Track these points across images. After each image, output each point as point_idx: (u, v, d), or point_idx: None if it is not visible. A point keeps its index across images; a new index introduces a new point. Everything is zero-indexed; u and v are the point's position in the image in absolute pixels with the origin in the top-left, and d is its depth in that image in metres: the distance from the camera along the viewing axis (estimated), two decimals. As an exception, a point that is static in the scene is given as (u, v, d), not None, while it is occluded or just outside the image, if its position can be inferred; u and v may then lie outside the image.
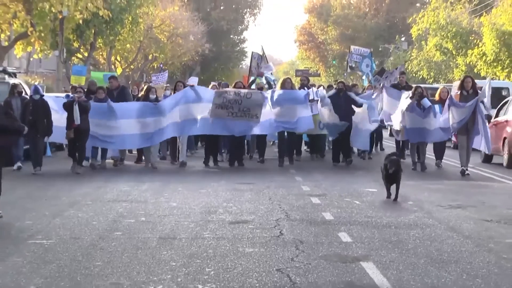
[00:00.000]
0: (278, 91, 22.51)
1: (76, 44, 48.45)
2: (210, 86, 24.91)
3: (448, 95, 20.89)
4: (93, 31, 46.37)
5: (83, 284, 8.54)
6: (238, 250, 10.46)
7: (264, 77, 26.22)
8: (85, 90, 22.53)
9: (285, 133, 22.82)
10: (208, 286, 8.46)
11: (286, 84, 22.69)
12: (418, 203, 15.26)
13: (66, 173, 20.02)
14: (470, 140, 19.88)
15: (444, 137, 20.95)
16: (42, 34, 41.02)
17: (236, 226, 12.40)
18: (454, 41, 56.84)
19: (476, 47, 53.43)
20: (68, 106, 19.83)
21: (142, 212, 13.87)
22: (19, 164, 20.15)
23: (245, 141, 24.07)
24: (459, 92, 20.05)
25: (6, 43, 41.64)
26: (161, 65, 49.54)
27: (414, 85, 23.64)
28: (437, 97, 21.57)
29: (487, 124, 19.90)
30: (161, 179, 19.10)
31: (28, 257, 9.93)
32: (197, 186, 17.84)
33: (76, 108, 19.61)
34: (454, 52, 57.71)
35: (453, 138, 21.20)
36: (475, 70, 54.69)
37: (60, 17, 40.64)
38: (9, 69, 28.51)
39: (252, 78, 26.38)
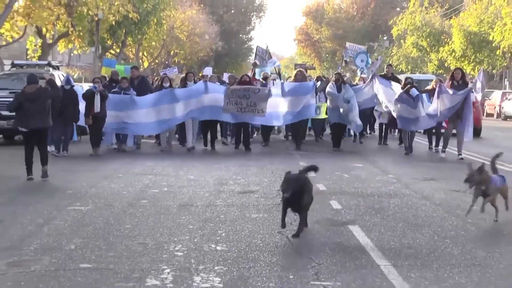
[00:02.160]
0: (289, 83, 21.56)
1: (109, 42, 48.39)
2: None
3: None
4: (124, 31, 46.26)
5: (114, 244, 8.55)
6: (245, 216, 10.46)
7: (275, 68, 26.15)
8: (108, 79, 21.76)
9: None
10: (220, 246, 8.45)
11: (297, 75, 21.58)
12: (397, 176, 15.23)
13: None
14: (462, 126, 18.46)
15: (431, 123, 19.67)
16: (81, 33, 41.03)
17: (244, 196, 12.40)
18: (428, 39, 56.97)
19: (447, 45, 53.67)
20: (89, 96, 18.88)
21: (164, 183, 13.87)
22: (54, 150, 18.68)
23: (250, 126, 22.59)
24: (449, 83, 18.93)
25: (51, 41, 41.66)
26: (168, 62, 49.49)
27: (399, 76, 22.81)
28: (431, 87, 20.23)
29: (472, 113, 18.69)
30: (180, 157, 19.06)
31: (68, 221, 9.95)
32: (211, 162, 17.83)
33: (97, 97, 18.68)
34: (428, 49, 57.84)
35: (444, 124, 19.71)
36: (446, 64, 54.91)
37: (96, 19, 40.58)
38: (53, 63, 28.55)
39: (256, 70, 25.86)
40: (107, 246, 8.42)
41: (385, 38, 79.32)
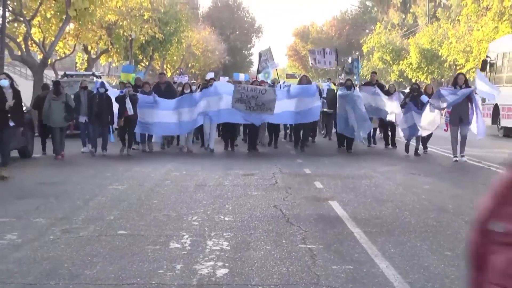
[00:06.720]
0: (294, 86, 18.85)
1: (140, 57, 48.15)
2: (226, 81, 23.69)
3: (432, 90, 17.60)
4: (151, 48, 46.04)
5: (145, 215, 8.53)
6: (247, 193, 10.44)
7: (276, 70, 24.00)
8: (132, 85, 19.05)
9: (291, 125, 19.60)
10: (227, 217, 8.44)
11: (303, 80, 19.37)
12: (367, 163, 15.22)
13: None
14: (463, 130, 15.19)
15: (435, 125, 16.66)
16: (118, 50, 40.89)
17: (246, 177, 12.38)
18: (390, 55, 56.98)
19: (405, 59, 53.70)
20: (120, 99, 16.59)
21: (184, 168, 13.85)
22: (91, 149, 16.74)
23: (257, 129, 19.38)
24: (453, 87, 15.67)
25: (94, 56, 41.56)
26: (181, 70, 49.13)
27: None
28: (424, 91, 17.55)
29: (480, 112, 15.60)
30: (197, 151, 18.92)
31: (108, 197, 9.93)
32: (221, 153, 17.83)
33: (127, 101, 16.40)
34: (390, 62, 57.81)
35: (445, 127, 16.96)
36: (405, 74, 55.16)
37: (130, 39, 40.44)
38: (96, 73, 28.63)
39: (259, 76, 23.09)
40: (139, 217, 8.41)
41: (357, 53, 79.06)
